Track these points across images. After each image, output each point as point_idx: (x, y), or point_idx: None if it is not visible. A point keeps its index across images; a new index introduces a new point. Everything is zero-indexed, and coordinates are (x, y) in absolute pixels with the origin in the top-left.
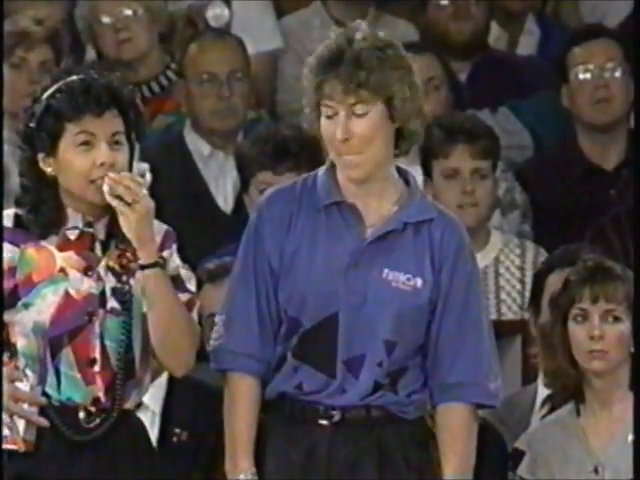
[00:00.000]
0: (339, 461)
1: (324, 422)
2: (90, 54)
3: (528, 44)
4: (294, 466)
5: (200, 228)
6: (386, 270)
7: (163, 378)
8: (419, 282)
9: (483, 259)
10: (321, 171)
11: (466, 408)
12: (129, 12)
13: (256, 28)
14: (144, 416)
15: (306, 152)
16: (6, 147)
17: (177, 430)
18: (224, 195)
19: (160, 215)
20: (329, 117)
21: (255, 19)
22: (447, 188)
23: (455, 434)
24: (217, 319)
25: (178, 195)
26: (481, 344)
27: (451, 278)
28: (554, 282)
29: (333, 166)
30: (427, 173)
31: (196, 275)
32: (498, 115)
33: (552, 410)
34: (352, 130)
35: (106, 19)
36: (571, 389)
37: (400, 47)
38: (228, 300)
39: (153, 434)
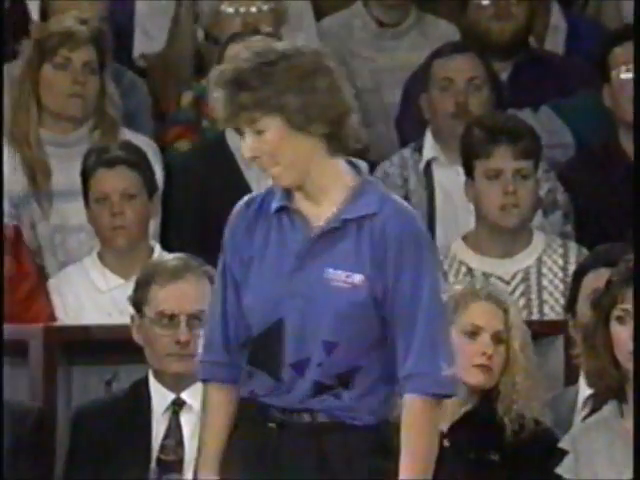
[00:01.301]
0: (282, 464)
1: (272, 425)
2: (138, 51)
3: (555, 40)
4: (248, 467)
5: None
6: (328, 270)
7: None
8: (358, 278)
9: (525, 259)
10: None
11: (418, 400)
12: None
13: (294, 29)
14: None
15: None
16: (48, 148)
17: None
18: None
19: (203, 216)
20: (242, 136)
21: (293, 20)
22: (489, 189)
23: (409, 429)
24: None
25: (220, 196)
26: (433, 333)
27: (397, 269)
28: (590, 282)
29: None
30: (469, 173)
31: None
32: (540, 114)
33: (594, 410)
34: (258, 148)
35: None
36: (614, 389)
37: (299, 55)
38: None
39: None
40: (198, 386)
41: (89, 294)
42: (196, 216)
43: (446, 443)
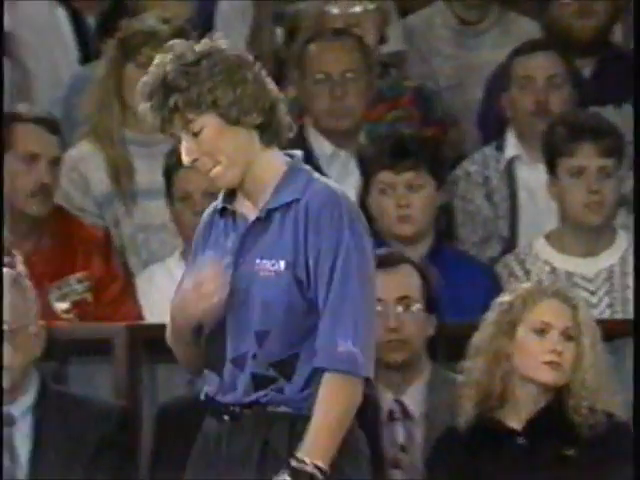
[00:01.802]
0: (232, 457)
1: (226, 417)
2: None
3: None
4: (208, 456)
5: None
6: (256, 261)
7: None
8: (282, 264)
9: (609, 258)
10: None
11: (326, 374)
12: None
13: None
14: None
15: (426, 151)
16: (131, 147)
17: None
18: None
19: None
20: (179, 142)
21: None
22: (573, 187)
23: (318, 400)
24: None
25: None
26: (339, 310)
27: (315, 251)
28: None
29: None
30: (552, 171)
31: None
32: (623, 111)
33: None
34: (196, 150)
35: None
36: None
37: (219, 52)
38: None
39: None
40: None
41: (173, 293)
42: None
43: (521, 441)
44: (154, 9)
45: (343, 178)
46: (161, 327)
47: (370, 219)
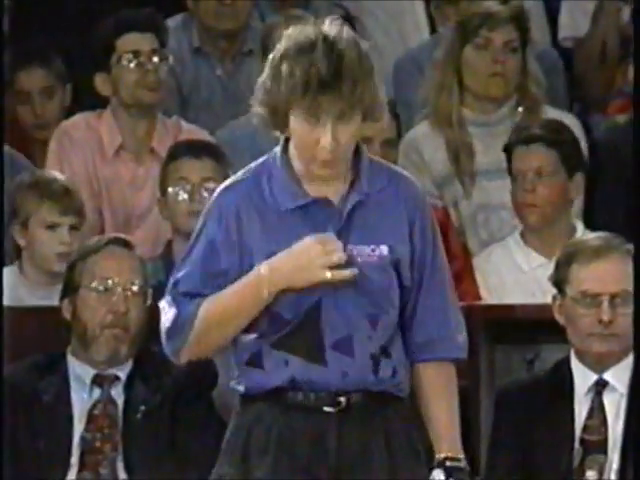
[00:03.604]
0: (349, 449)
1: (330, 409)
2: (563, 33)
3: None
4: (298, 457)
5: None
6: (359, 245)
7: (629, 358)
8: (384, 249)
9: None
10: (275, 168)
11: (441, 363)
12: None
13: None
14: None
15: None
16: (471, 127)
17: None
18: None
19: (630, 192)
20: (307, 120)
21: None
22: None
23: (437, 391)
24: None
25: None
26: (447, 299)
27: (421, 238)
28: None
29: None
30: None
31: None
32: None
33: None
34: (338, 138)
35: None
36: None
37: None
38: None
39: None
40: (621, 366)
41: (512, 273)
42: (622, 193)
43: None
44: None
45: None
46: (501, 308)
47: None
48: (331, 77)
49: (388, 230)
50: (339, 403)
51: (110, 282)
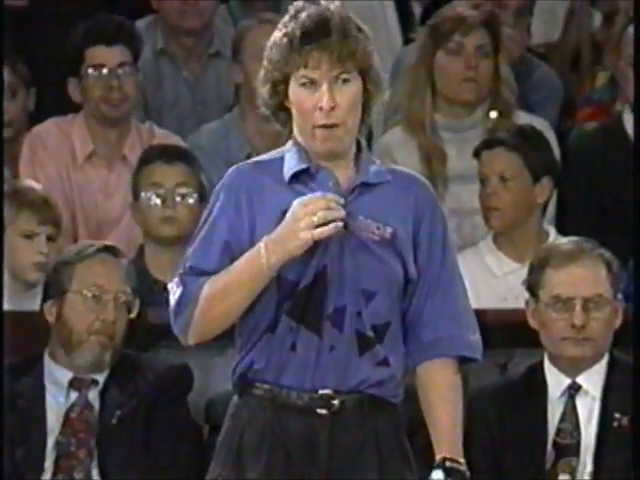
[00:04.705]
0: (340, 450)
1: (323, 411)
2: (535, 39)
3: None
4: (291, 458)
5: None
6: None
7: (603, 362)
8: (388, 231)
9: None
10: (288, 153)
11: (448, 362)
12: None
13: None
14: (584, 401)
15: None
16: (443, 133)
17: (617, 415)
18: None
19: (599, 199)
20: (304, 86)
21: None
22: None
23: (442, 392)
24: None
25: (617, 179)
26: (456, 299)
27: (429, 235)
28: None
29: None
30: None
31: None
32: None
33: None
34: (337, 99)
35: None
36: None
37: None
38: None
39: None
40: (594, 370)
41: (485, 278)
42: (593, 199)
43: None
44: None
45: None
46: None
47: None
48: (320, 29)
49: (392, 221)
50: (332, 405)
51: (101, 290)
